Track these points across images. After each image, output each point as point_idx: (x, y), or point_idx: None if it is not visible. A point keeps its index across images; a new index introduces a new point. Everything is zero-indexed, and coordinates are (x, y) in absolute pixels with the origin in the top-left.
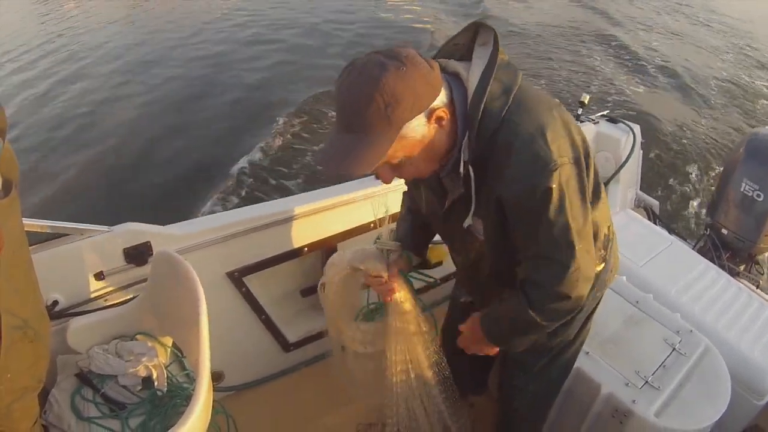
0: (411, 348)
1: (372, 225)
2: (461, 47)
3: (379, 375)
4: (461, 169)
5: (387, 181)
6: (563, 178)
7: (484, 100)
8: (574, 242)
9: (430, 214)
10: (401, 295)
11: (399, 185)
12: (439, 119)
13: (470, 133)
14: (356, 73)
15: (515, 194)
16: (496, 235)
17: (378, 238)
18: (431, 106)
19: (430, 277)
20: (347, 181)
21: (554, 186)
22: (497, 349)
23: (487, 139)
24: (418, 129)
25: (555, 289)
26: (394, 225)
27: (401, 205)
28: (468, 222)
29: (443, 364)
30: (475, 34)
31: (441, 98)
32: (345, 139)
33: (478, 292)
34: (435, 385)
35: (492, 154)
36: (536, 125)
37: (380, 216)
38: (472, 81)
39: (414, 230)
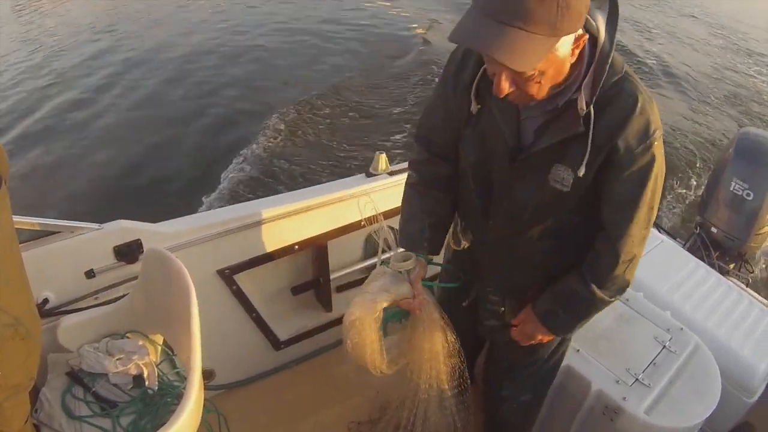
0: (434, 357)
1: (363, 223)
2: None
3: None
4: (582, 107)
5: (501, 92)
6: (660, 151)
7: (614, 44)
8: (650, 226)
9: (486, 171)
10: (428, 307)
11: (389, 183)
12: (578, 47)
13: (596, 75)
14: None
15: (631, 147)
16: (586, 190)
17: (384, 261)
18: (580, 30)
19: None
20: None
21: (657, 155)
22: (550, 336)
23: (610, 86)
24: (566, 48)
25: (622, 265)
26: (383, 225)
27: (408, 204)
28: (581, 171)
29: (461, 366)
30: None
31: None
32: (500, 28)
33: (499, 281)
34: (449, 388)
35: (613, 103)
36: (647, 92)
37: (368, 215)
38: (599, 27)
39: (429, 229)
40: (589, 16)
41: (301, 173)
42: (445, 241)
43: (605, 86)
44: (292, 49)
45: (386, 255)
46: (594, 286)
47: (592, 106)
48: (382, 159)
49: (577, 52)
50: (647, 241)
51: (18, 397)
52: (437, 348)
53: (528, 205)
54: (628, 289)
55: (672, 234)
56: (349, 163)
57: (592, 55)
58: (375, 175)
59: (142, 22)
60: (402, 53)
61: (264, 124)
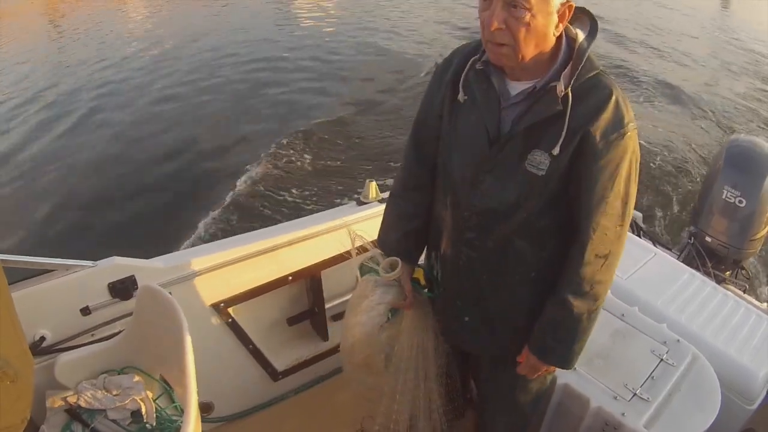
0: (424, 354)
1: (356, 252)
2: None
3: (376, 391)
4: (561, 89)
5: (491, 24)
6: (635, 143)
7: (590, 47)
8: (624, 222)
9: (465, 162)
10: (418, 304)
11: (380, 211)
12: (563, 17)
13: (574, 66)
14: None
15: (605, 136)
16: (559, 179)
17: (371, 269)
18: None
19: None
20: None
21: (631, 145)
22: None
23: (587, 79)
24: (556, 2)
25: (596, 262)
26: (374, 253)
27: (386, 213)
28: (555, 150)
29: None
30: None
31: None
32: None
33: (470, 298)
34: (438, 395)
35: (589, 94)
36: (621, 89)
37: (358, 244)
38: (578, 34)
39: (409, 233)
40: (569, 26)
41: (292, 203)
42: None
43: (582, 78)
44: (279, 79)
45: (368, 254)
46: (570, 297)
47: (570, 89)
48: (372, 187)
49: (561, 26)
50: (642, 254)
51: None
52: (427, 345)
53: (504, 200)
54: (608, 292)
55: (666, 245)
56: (339, 192)
57: (570, 50)
58: (366, 203)
59: (126, 48)
60: (396, 83)
61: (253, 155)
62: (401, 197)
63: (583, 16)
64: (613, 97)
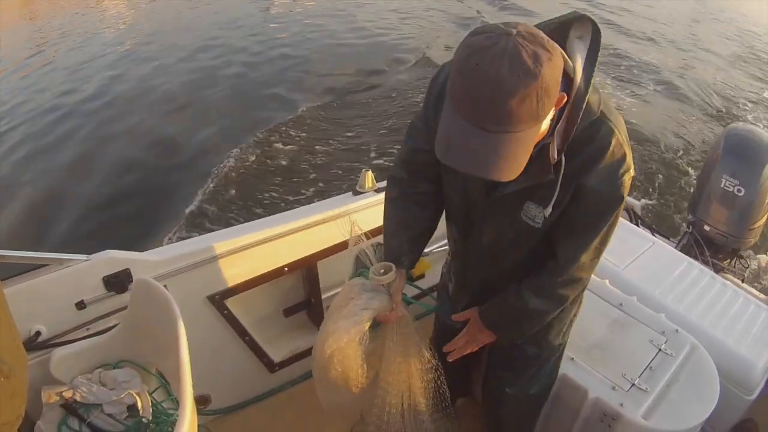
0: (407, 371)
1: (349, 242)
2: (553, 35)
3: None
4: (554, 155)
5: None
6: (627, 191)
7: (590, 83)
8: (600, 255)
9: (465, 203)
10: (404, 320)
11: (376, 201)
12: (557, 107)
13: (570, 119)
14: (507, 62)
15: (598, 188)
16: (553, 224)
17: (362, 272)
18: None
19: (419, 288)
20: (325, 198)
21: (624, 195)
22: (493, 339)
23: (584, 128)
24: (547, 121)
25: (564, 284)
26: (370, 243)
27: (387, 218)
28: (548, 210)
29: (437, 376)
30: (570, 24)
31: None
32: (485, 138)
33: (481, 294)
34: (425, 403)
35: (586, 146)
36: (624, 132)
37: (354, 234)
38: (576, 67)
39: (409, 242)
40: (565, 55)
41: (289, 193)
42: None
43: (579, 128)
44: (278, 65)
45: (365, 244)
46: (529, 294)
47: (563, 154)
48: (369, 176)
49: (555, 111)
50: (640, 243)
51: None
52: (411, 362)
53: (503, 238)
54: (565, 304)
55: (666, 235)
56: (336, 182)
57: (568, 94)
58: (362, 192)
59: (122, 47)
60: (391, 71)
61: (248, 142)
62: (399, 206)
63: (585, 23)
64: (610, 150)
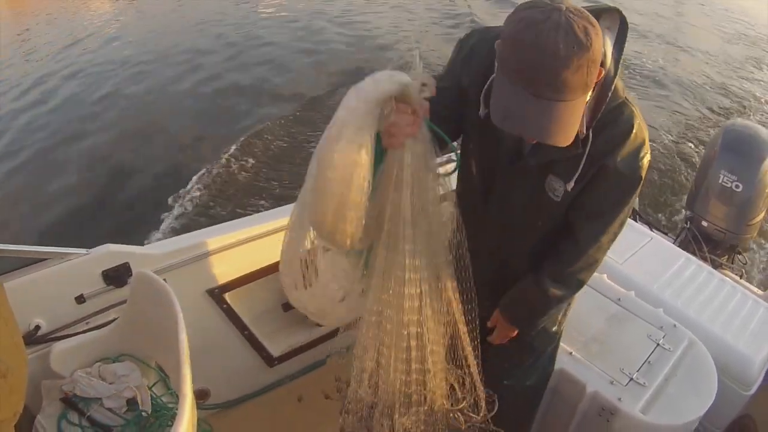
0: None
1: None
2: None
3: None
4: (582, 130)
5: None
6: (646, 173)
7: (618, 68)
8: (616, 239)
9: (490, 169)
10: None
11: None
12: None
13: (599, 100)
14: (562, 33)
15: (621, 170)
16: (571, 201)
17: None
18: None
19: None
20: None
21: (643, 177)
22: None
23: (610, 110)
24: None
25: (583, 267)
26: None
27: None
28: (570, 185)
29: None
30: (599, 15)
31: None
32: (542, 105)
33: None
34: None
35: (610, 126)
36: (642, 117)
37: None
38: (606, 52)
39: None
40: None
41: (285, 187)
42: None
43: (606, 110)
44: (268, 63)
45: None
46: (548, 282)
47: (591, 130)
48: None
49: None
50: (638, 238)
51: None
52: (433, 218)
53: (523, 206)
54: (581, 288)
55: (662, 230)
56: None
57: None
58: None
59: (108, 45)
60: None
61: (242, 140)
62: None
63: (613, 14)
64: (634, 131)
